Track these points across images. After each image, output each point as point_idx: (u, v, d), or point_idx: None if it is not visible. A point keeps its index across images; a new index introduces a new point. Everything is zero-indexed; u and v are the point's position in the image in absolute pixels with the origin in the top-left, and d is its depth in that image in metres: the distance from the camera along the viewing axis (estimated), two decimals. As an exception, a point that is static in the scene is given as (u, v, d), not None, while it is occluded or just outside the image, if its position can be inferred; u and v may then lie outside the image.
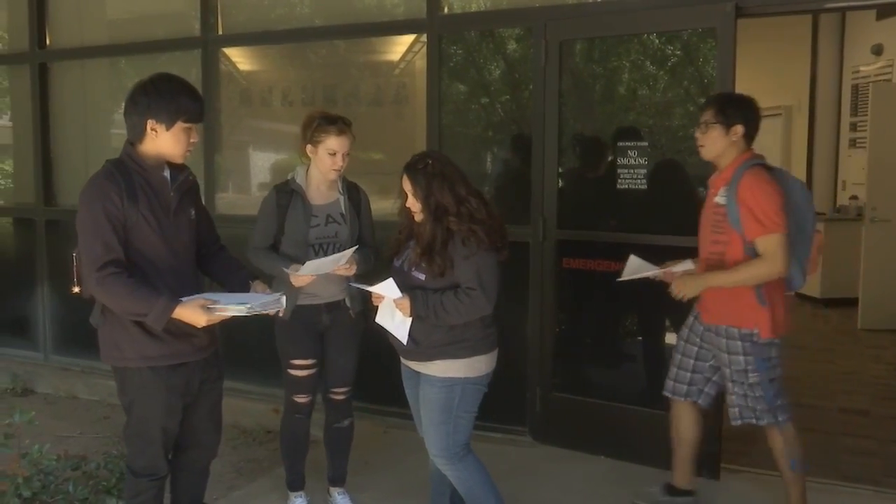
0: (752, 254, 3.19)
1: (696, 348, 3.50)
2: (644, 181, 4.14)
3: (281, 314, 2.95)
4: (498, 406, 3.69)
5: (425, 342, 2.98)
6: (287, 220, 3.44)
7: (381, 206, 4.65)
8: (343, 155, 3.42)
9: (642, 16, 4.16)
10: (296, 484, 3.75)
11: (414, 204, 2.97)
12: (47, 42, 6.09)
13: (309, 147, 3.42)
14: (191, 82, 2.80)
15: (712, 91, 3.97)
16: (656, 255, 3.79)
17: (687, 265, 3.42)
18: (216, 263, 3.06)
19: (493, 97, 4.88)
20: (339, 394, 3.65)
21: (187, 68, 5.39)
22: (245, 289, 2.94)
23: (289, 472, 3.75)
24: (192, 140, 2.77)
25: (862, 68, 8.83)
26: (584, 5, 4.44)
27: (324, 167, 3.43)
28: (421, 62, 4.81)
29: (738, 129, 3.30)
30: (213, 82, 5.38)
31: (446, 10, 4.74)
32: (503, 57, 4.84)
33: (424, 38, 4.74)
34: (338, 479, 3.78)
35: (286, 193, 3.47)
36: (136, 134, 2.71)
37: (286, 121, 5.37)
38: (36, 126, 6.06)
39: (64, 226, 5.87)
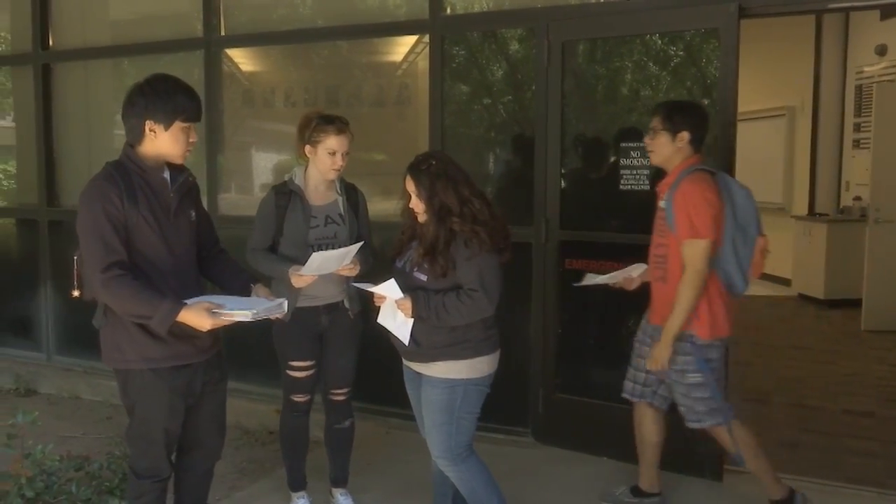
0: None
1: (647, 348, 3.53)
2: (647, 182, 4.14)
3: (281, 317, 2.95)
4: (500, 407, 3.70)
5: (427, 343, 2.98)
6: (286, 222, 3.44)
7: (384, 207, 4.65)
8: (342, 154, 3.42)
9: (645, 16, 4.15)
10: (297, 484, 3.75)
11: (417, 204, 2.97)
12: (50, 43, 6.10)
13: (308, 148, 3.42)
14: (193, 83, 2.80)
15: (716, 92, 3.98)
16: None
17: (640, 268, 3.55)
18: (216, 266, 3.05)
19: (496, 98, 4.88)
20: (340, 395, 3.66)
21: (190, 69, 5.40)
22: (247, 293, 2.93)
23: (290, 472, 3.76)
24: (191, 140, 2.77)
25: (866, 68, 8.82)
26: (587, 6, 4.44)
27: (323, 167, 3.43)
28: (423, 63, 4.81)
29: (684, 135, 3.37)
30: (216, 83, 5.39)
31: (448, 10, 4.74)
32: (505, 58, 4.84)
33: (427, 38, 4.75)
34: (340, 480, 3.79)
35: (285, 194, 3.47)
36: (135, 135, 2.71)
37: (289, 122, 5.36)
38: (39, 127, 6.07)
39: (67, 226, 5.87)
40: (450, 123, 4.74)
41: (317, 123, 3.41)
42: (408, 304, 2.92)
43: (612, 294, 4.24)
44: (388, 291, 2.95)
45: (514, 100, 4.83)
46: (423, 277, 2.95)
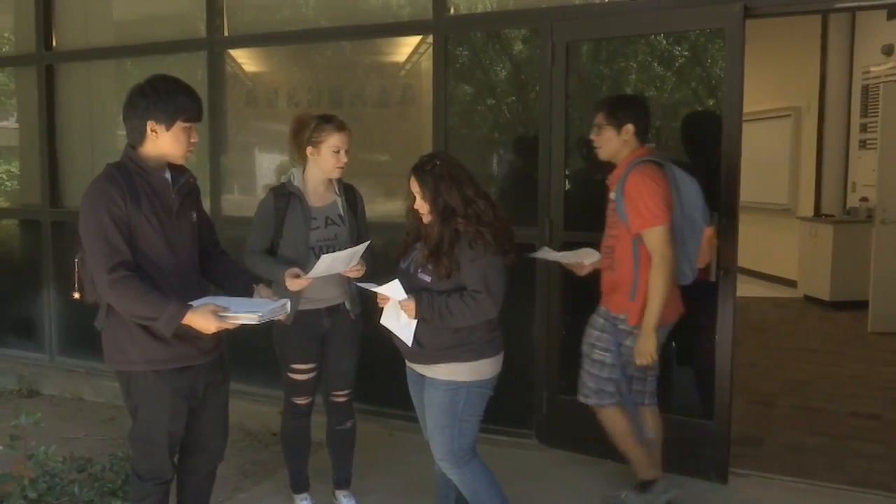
0: (637, 247, 3.38)
1: (596, 332, 3.63)
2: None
3: (283, 318, 2.96)
4: (504, 409, 3.69)
5: (430, 345, 2.98)
6: (286, 224, 3.43)
7: (387, 208, 4.66)
8: (345, 151, 3.44)
9: (650, 16, 4.15)
10: (300, 486, 3.76)
11: (422, 205, 2.97)
12: (53, 44, 6.11)
13: (309, 149, 3.42)
14: (196, 84, 2.82)
15: (721, 92, 3.97)
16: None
17: (592, 255, 3.62)
18: (217, 268, 3.05)
19: (500, 98, 4.88)
20: (341, 396, 3.66)
21: (193, 70, 5.41)
22: (248, 294, 2.94)
23: (292, 473, 3.76)
24: (192, 140, 2.78)
25: (872, 69, 8.80)
26: (591, 6, 4.43)
27: (328, 166, 3.44)
28: (427, 63, 4.81)
29: (629, 128, 3.47)
30: (219, 84, 5.40)
31: (452, 10, 4.74)
32: (509, 58, 4.83)
33: (430, 39, 4.75)
34: (343, 482, 3.79)
35: (284, 196, 3.46)
36: (137, 136, 2.72)
37: (292, 122, 5.37)
38: (42, 127, 6.08)
39: (70, 227, 5.88)
40: (453, 124, 4.74)
41: (317, 123, 3.42)
42: (411, 305, 2.93)
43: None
44: (392, 292, 2.95)
45: (518, 100, 4.83)
46: (427, 278, 2.95)
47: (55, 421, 5.08)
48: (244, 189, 5.70)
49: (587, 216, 4.42)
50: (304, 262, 3.32)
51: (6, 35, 6.75)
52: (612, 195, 3.51)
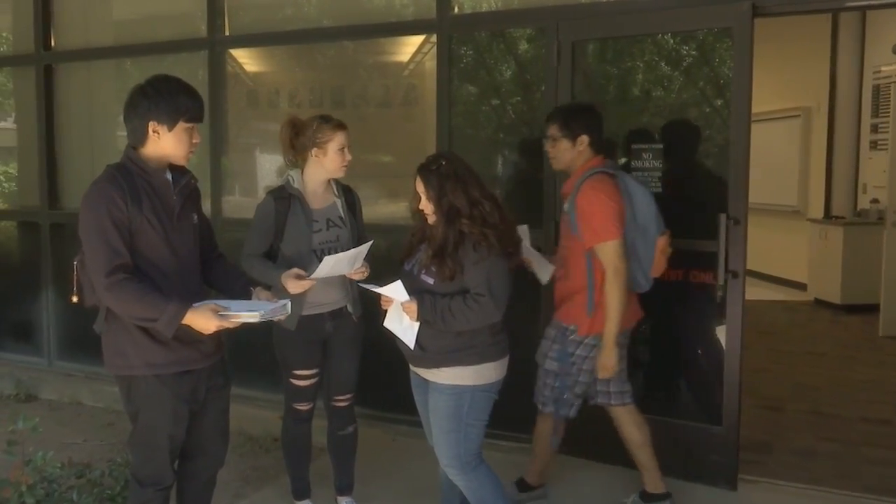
0: (590, 260, 3.44)
1: (547, 342, 3.69)
2: (659, 184, 4.13)
3: (283, 319, 2.96)
4: (511, 413, 3.69)
5: (433, 348, 2.98)
6: (287, 227, 3.43)
7: (390, 210, 4.66)
8: (349, 149, 3.46)
9: (657, 16, 4.15)
10: (301, 492, 3.76)
11: (427, 205, 2.97)
12: (52, 43, 6.12)
13: (314, 150, 3.42)
14: (197, 84, 2.82)
15: (729, 92, 3.97)
16: (671, 260, 3.77)
17: (547, 269, 3.64)
18: (215, 271, 3.06)
19: (504, 98, 4.88)
20: (343, 401, 3.67)
21: (194, 70, 5.42)
22: (247, 297, 2.95)
23: (293, 480, 3.76)
24: (194, 141, 2.79)
25: (883, 68, 8.78)
26: (598, 5, 4.43)
27: (334, 166, 3.44)
28: (430, 63, 4.82)
29: (584, 139, 3.54)
30: (220, 84, 5.41)
31: (456, 9, 4.74)
32: (514, 57, 4.84)
33: (434, 38, 4.75)
34: (345, 488, 3.79)
35: (284, 199, 3.45)
36: (138, 137, 2.72)
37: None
38: (41, 128, 6.09)
39: (69, 229, 5.90)
40: (457, 125, 4.75)
41: (318, 124, 3.43)
42: (413, 306, 2.93)
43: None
44: (394, 293, 2.95)
45: (523, 101, 4.83)
46: (430, 280, 2.95)
47: (53, 426, 5.08)
48: (245, 191, 5.70)
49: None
50: (307, 265, 3.32)
51: (4, 34, 6.78)
52: (565, 206, 3.57)
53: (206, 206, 3.14)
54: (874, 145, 8.97)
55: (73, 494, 3.66)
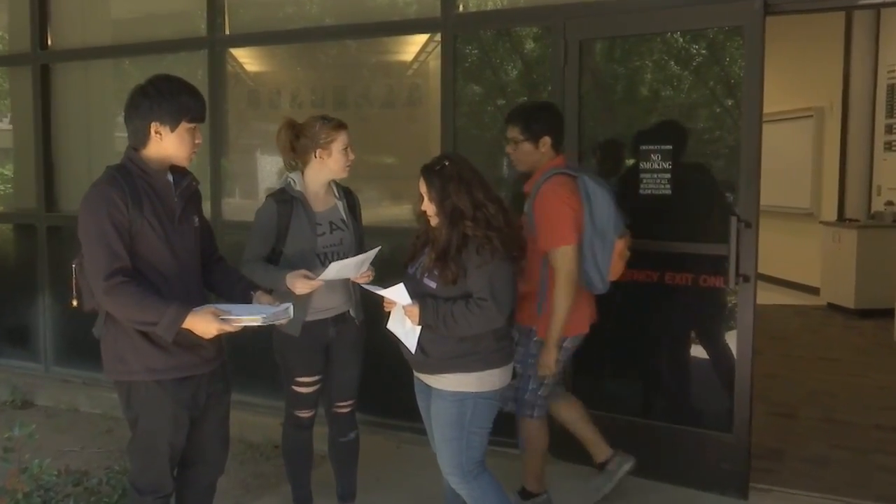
0: (546, 262, 3.49)
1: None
2: (668, 186, 4.13)
3: (286, 323, 2.96)
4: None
5: (435, 353, 2.99)
6: (291, 231, 3.42)
7: (393, 213, 4.67)
8: (351, 148, 3.47)
9: (666, 14, 4.15)
10: (303, 501, 3.76)
11: (429, 207, 2.98)
12: (49, 43, 6.14)
13: (319, 151, 3.42)
14: (197, 84, 2.83)
15: (740, 92, 3.97)
16: (681, 264, 3.78)
17: None
18: (215, 274, 3.07)
19: (510, 99, 4.88)
20: (345, 407, 3.67)
21: (193, 69, 5.43)
22: (248, 300, 2.95)
23: (295, 488, 3.76)
24: (196, 141, 2.80)
25: (898, 67, 8.79)
26: (606, 3, 4.43)
27: (338, 166, 3.45)
28: (435, 62, 4.82)
29: (546, 140, 3.59)
30: (220, 84, 5.42)
31: (461, 8, 4.75)
32: (520, 57, 4.84)
33: (438, 37, 4.76)
34: (347, 496, 3.79)
35: (286, 202, 3.43)
36: (140, 139, 2.73)
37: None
38: (37, 129, 6.10)
39: (66, 232, 5.91)
40: (462, 125, 4.75)
41: (321, 125, 3.43)
42: (415, 310, 2.93)
43: (630, 304, 4.25)
44: (396, 296, 2.95)
45: (530, 101, 4.83)
46: (433, 284, 2.96)
47: (50, 433, 5.09)
48: (245, 193, 5.71)
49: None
50: (311, 270, 3.31)
51: (0, 33, 6.79)
52: (525, 207, 3.60)
53: (206, 209, 3.14)
54: (889, 146, 8.96)
55: (69, 503, 3.67)
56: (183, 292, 2.75)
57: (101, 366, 2.84)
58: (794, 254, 9.95)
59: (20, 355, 6.32)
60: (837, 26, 9.34)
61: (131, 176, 2.72)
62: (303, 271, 3.25)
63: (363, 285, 3.27)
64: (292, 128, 3.48)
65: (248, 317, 2.69)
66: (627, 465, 3.90)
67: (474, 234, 2.89)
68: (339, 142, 3.42)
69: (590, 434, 3.95)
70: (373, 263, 3.38)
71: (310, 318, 3.44)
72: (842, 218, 9.28)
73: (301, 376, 3.53)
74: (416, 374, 3.18)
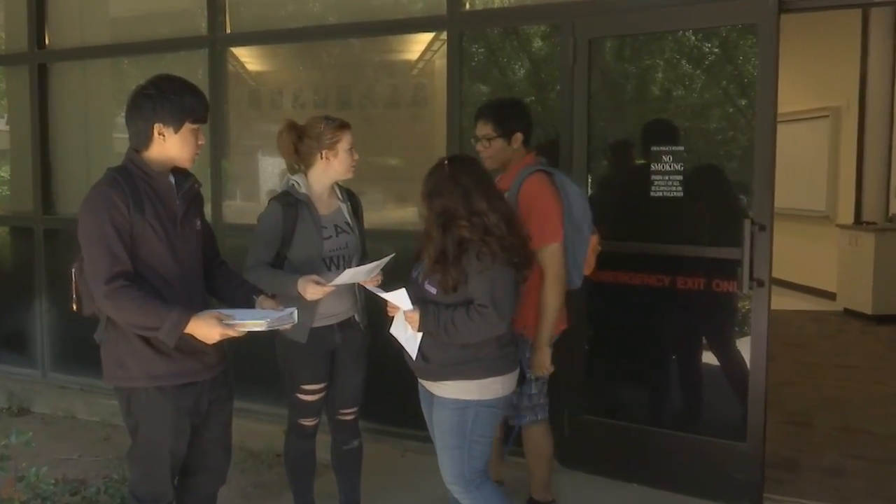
0: None
1: None
2: (680, 188, 4.13)
3: (290, 328, 2.96)
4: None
5: (436, 360, 2.99)
6: (297, 235, 3.41)
7: (398, 215, 4.67)
8: (354, 148, 3.49)
9: (678, 11, 4.15)
10: (306, 510, 3.76)
11: (423, 207, 3.01)
12: (46, 42, 6.16)
13: (325, 152, 3.42)
14: (197, 84, 2.84)
15: (754, 92, 3.96)
16: (693, 268, 3.78)
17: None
18: (217, 279, 3.07)
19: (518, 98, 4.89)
20: (349, 414, 3.67)
21: (193, 69, 5.45)
22: (250, 305, 2.96)
23: (297, 498, 3.76)
24: (199, 142, 2.81)
25: (917, 66, 8.77)
26: (616, 0, 4.44)
27: (344, 167, 3.46)
28: (441, 61, 4.83)
29: (518, 136, 3.67)
30: (221, 84, 5.43)
31: (468, 6, 4.76)
32: (528, 56, 4.85)
33: (444, 35, 4.76)
34: (351, 506, 3.79)
35: (291, 205, 3.42)
36: (142, 140, 2.74)
37: (298, 124, 5.40)
38: (34, 130, 6.12)
39: (64, 235, 5.93)
40: (468, 126, 4.73)
41: (325, 125, 3.44)
42: (415, 316, 2.94)
43: (642, 308, 4.24)
44: (398, 300, 2.96)
45: (538, 101, 4.84)
46: (433, 290, 2.96)
47: (47, 441, 5.11)
48: (247, 195, 5.72)
49: (612, 224, 4.43)
50: (318, 275, 3.31)
51: (-3, 32, 6.83)
52: None
53: (207, 211, 3.15)
54: (907, 147, 8.94)
55: (67, 512, 3.69)
56: (185, 296, 2.75)
57: (99, 372, 2.85)
58: (809, 258, 9.92)
59: (17, 361, 6.33)
60: (854, 23, 9.32)
61: (132, 177, 2.72)
62: (314, 276, 3.25)
63: (367, 287, 3.27)
64: (294, 129, 3.48)
65: (251, 321, 2.69)
66: None
67: (470, 238, 2.88)
68: (345, 142, 3.43)
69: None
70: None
71: (316, 324, 3.44)
72: (859, 221, 9.27)
73: (306, 384, 3.52)
74: (419, 379, 3.19)
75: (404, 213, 4.99)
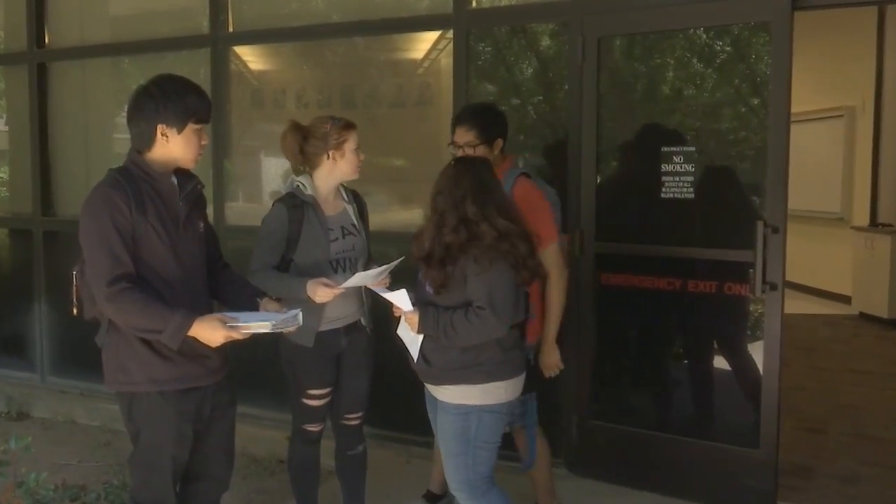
0: None
1: None
2: (691, 189, 4.13)
3: (294, 330, 2.96)
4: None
5: (438, 363, 3.00)
6: (303, 237, 3.40)
7: (403, 217, 4.67)
8: (361, 148, 3.50)
9: (689, 9, 4.15)
10: (310, 518, 3.76)
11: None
12: (46, 41, 6.19)
13: (332, 153, 3.43)
14: (199, 83, 2.84)
15: (767, 91, 3.97)
16: (705, 271, 3.77)
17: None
18: (220, 281, 3.08)
19: (525, 98, 4.90)
20: (354, 419, 3.67)
21: (195, 68, 5.47)
22: (254, 308, 2.96)
23: (301, 504, 3.77)
24: (203, 143, 2.82)
25: (934, 64, 8.75)
26: (625, -2, 4.45)
27: (351, 167, 3.47)
28: (447, 60, 4.84)
29: (500, 142, 3.73)
30: (223, 83, 5.45)
31: (474, 3, 4.77)
32: (536, 54, 4.85)
33: (450, 34, 4.77)
34: (356, 513, 3.79)
35: (296, 207, 3.42)
36: (145, 141, 2.75)
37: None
38: (34, 130, 6.15)
39: (63, 237, 5.95)
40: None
41: (331, 125, 3.44)
42: (414, 318, 2.95)
43: (652, 312, 4.24)
44: (398, 301, 2.96)
45: (546, 100, 4.85)
46: (431, 291, 2.97)
47: (46, 445, 5.12)
48: (250, 196, 5.74)
49: (621, 226, 4.44)
50: (325, 277, 3.32)
51: (-4, 31, 6.85)
52: None
53: (209, 213, 3.15)
54: (924, 147, 8.91)
55: (67, 518, 3.70)
56: (188, 299, 2.76)
57: (99, 376, 2.85)
58: (823, 260, 9.90)
59: (16, 365, 6.35)
60: (869, 21, 9.30)
61: (134, 179, 2.73)
62: (323, 279, 3.25)
63: (372, 288, 3.28)
64: (299, 130, 3.47)
65: (256, 323, 2.70)
66: None
67: (455, 242, 2.89)
68: (351, 142, 3.44)
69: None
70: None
71: (322, 327, 3.44)
72: (874, 223, 9.24)
73: (312, 388, 3.51)
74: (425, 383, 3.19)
75: (409, 215, 4.99)
